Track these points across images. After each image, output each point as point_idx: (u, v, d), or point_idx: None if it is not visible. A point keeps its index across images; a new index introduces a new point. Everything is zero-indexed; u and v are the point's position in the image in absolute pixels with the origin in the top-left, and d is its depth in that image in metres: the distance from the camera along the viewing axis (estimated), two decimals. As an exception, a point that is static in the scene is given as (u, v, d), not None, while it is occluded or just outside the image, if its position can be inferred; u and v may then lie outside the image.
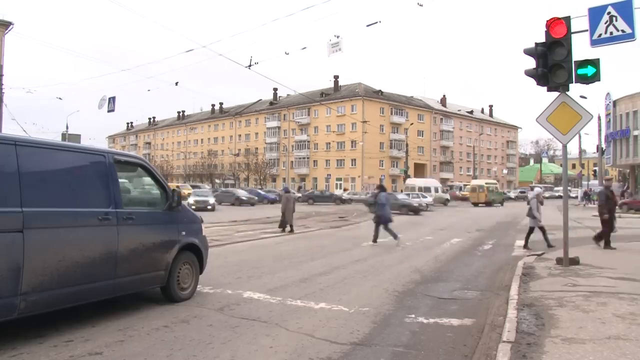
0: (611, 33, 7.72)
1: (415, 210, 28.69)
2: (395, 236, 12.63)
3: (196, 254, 6.54)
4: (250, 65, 20.39)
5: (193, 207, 25.95)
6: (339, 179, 69.91)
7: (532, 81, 8.43)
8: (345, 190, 60.48)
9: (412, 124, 69.34)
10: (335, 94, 73.48)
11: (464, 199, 49.26)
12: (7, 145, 4.36)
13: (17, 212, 4.25)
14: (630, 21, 7.61)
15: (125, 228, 5.37)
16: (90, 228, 5.00)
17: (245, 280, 7.50)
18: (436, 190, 45.51)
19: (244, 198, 39.08)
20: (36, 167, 4.62)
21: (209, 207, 30.35)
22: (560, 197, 54.86)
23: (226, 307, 5.82)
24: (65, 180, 4.98)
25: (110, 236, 5.19)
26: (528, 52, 8.39)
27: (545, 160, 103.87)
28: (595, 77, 8.02)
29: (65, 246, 4.69)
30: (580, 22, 8.06)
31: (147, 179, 6.25)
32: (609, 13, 7.73)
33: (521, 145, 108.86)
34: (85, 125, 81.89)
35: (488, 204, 42.43)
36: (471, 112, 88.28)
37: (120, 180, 5.55)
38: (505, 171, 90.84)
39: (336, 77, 75.73)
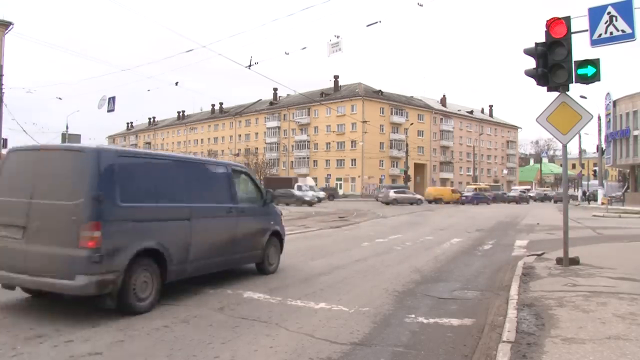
0: (611, 33, 7.71)
1: None
2: None
3: (279, 238, 8.58)
4: (250, 65, 20.41)
5: None
6: (339, 179, 69.94)
7: (532, 81, 8.42)
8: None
9: (412, 124, 69.35)
10: (335, 94, 73.47)
11: None
12: (179, 162, 6.80)
13: (187, 207, 6.30)
14: (630, 21, 7.60)
15: (241, 218, 7.44)
16: (222, 218, 7.04)
17: (245, 280, 7.50)
18: None
19: None
20: (195, 177, 6.69)
21: None
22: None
23: (226, 307, 5.83)
24: (209, 185, 7.00)
25: (233, 224, 7.25)
26: (528, 52, 8.39)
27: (545, 160, 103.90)
28: (595, 77, 8.02)
29: (210, 230, 6.72)
30: (580, 22, 8.06)
31: (249, 182, 8.18)
32: (609, 13, 7.72)
33: (521, 145, 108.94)
34: (85, 125, 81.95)
35: None
36: (471, 112, 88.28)
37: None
38: (505, 171, 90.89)
39: (336, 77, 75.77)
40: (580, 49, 8.48)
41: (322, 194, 46.52)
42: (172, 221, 6.09)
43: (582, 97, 34.45)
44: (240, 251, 7.44)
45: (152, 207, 5.83)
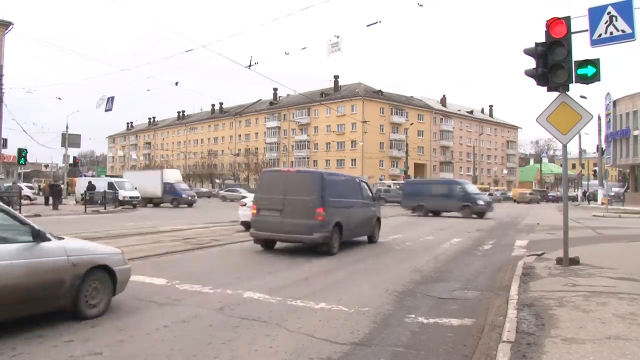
0: (611, 33, 7.71)
1: None
2: None
3: (379, 222, 13.63)
4: (250, 65, 20.40)
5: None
6: (339, 179, 69.78)
7: (532, 81, 8.42)
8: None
9: (412, 124, 69.32)
10: (335, 94, 73.46)
11: None
12: (344, 176, 12.99)
13: (348, 200, 11.50)
14: (630, 21, 7.60)
15: (366, 208, 12.79)
16: (359, 208, 12.23)
17: (245, 280, 7.50)
18: None
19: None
20: (348, 184, 12.27)
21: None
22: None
23: (226, 307, 5.82)
24: (353, 188, 12.41)
25: (362, 211, 12.46)
26: (528, 52, 8.38)
27: (545, 160, 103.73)
28: (595, 77, 8.01)
29: (356, 214, 11.90)
30: (580, 22, 8.06)
31: (366, 187, 13.32)
32: (609, 13, 7.72)
33: (521, 145, 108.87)
34: (85, 125, 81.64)
35: None
36: (471, 112, 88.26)
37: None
38: (505, 171, 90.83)
39: (336, 77, 75.74)
40: (580, 49, 8.48)
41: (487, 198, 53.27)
42: (344, 208, 11.25)
43: (582, 97, 34.44)
44: (364, 227, 12.61)
45: (338, 200, 10.99)
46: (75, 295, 4.99)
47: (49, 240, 4.88)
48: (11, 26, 31.87)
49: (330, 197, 10.52)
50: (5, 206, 4.95)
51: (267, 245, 11.20)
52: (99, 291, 5.28)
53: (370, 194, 13.44)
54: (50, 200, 27.60)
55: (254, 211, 10.88)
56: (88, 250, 5.39)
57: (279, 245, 12.03)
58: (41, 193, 29.07)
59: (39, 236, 4.76)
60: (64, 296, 4.91)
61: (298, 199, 10.28)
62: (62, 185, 33.12)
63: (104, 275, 5.36)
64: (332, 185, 10.87)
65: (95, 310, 5.20)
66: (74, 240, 5.83)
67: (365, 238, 13.02)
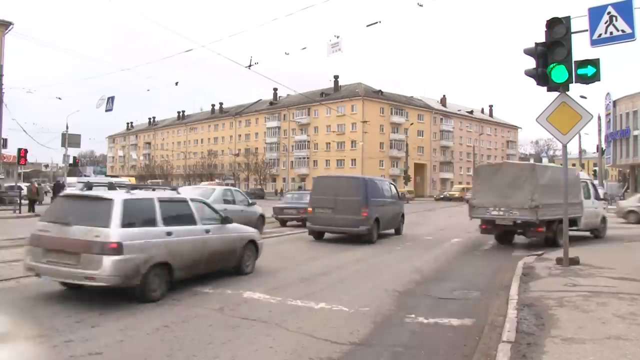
0: (611, 33, 7.71)
1: None
2: None
3: (403, 218, 15.95)
4: (250, 65, 20.37)
5: None
6: (339, 179, 69.62)
7: (532, 81, 8.42)
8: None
9: (412, 124, 69.27)
10: (335, 94, 73.39)
11: None
12: (369, 178, 15.32)
13: (381, 200, 13.89)
14: (630, 21, 7.60)
15: (395, 205, 15.19)
16: (390, 205, 14.63)
17: (246, 280, 7.50)
18: None
19: None
20: (378, 186, 14.77)
21: None
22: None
23: (226, 307, 5.83)
24: (382, 189, 14.68)
25: (393, 208, 14.92)
26: (528, 52, 8.38)
27: (545, 160, 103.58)
28: (595, 77, 8.01)
29: (388, 211, 14.25)
30: (580, 22, 8.06)
31: (393, 187, 15.84)
32: (609, 13, 7.72)
33: (521, 145, 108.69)
34: (85, 125, 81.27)
35: None
36: (471, 112, 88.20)
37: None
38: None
39: (336, 77, 75.64)
40: (581, 49, 8.48)
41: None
42: (380, 206, 13.51)
43: (582, 97, 34.36)
44: (393, 221, 14.90)
45: (376, 200, 13.35)
46: (240, 259, 7.80)
47: (230, 222, 7.72)
48: (11, 26, 31.86)
49: (371, 198, 12.95)
50: (205, 200, 8.35)
51: (319, 236, 13.58)
52: (250, 257, 8.10)
53: (397, 194, 16.00)
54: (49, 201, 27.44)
55: (310, 209, 13.30)
56: (246, 230, 8.30)
57: (281, 243, 12.03)
58: (27, 195, 23.64)
59: (225, 220, 7.65)
60: (236, 259, 7.74)
61: (347, 199, 12.61)
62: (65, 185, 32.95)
63: (252, 247, 8.15)
64: (372, 188, 13.47)
65: (248, 269, 8.01)
66: (238, 224, 8.17)
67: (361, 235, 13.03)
